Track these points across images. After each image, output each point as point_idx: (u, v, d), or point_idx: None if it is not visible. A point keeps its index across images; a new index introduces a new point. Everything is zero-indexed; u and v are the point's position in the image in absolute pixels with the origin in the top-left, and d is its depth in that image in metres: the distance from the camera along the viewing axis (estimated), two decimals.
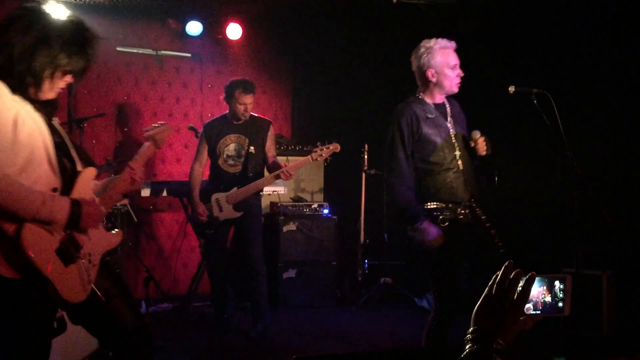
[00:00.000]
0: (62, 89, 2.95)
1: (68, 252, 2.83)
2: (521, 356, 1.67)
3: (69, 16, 2.95)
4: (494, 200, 7.24)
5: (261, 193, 6.18)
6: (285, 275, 7.26)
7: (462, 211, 4.16)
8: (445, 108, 4.31)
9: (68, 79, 2.93)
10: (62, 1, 6.89)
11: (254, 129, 6.02)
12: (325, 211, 7.54)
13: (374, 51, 8.21)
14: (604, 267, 5.75)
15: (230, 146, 6.01)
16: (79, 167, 3.00)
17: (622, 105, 6.12)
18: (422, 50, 4.24)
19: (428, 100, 4.28)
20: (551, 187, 6.13)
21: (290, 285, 7.27)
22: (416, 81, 4.34)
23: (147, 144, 3.44)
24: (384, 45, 8.11)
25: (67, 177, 2.91)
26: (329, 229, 7.45)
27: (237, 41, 8.03)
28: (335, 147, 5.80)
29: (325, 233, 7.43)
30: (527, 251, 6.85)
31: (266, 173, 6.04)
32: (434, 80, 4.22)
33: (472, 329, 1.60)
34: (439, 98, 4.30)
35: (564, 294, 1.67)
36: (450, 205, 4.13)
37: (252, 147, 5.97)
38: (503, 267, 1.63)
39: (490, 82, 6.45)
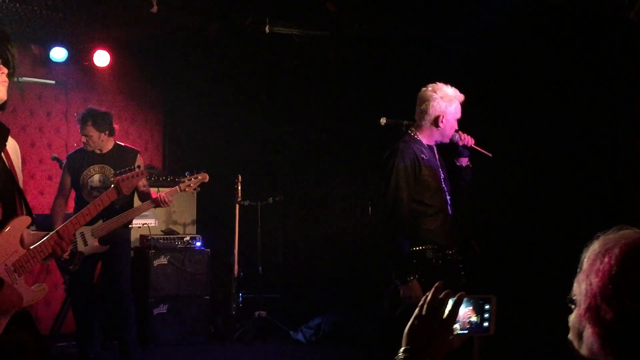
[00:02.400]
0: (5, 85, 2.85)
1: None
2: None
3: None
4: (370, 231, 7.33)
5: (130, 225, 5.98)
6: (156, 311, 7.00)
7: (449, 252, 4.20)
8: (434, 150, 4.30)
9: (4, 70, 2.81)
10: None
11: (120, 159, 5.80)
12: (198, 244, 7.38)
13: (247, 81, 8.21)
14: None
15: (94, 177, 5.80)
16: (19, 211, 2.86)
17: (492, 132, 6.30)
18: (441, 94, 4.20)
19: (423, 140, 4.25)
20: None
21: (161, 322, 7.02)
22: (415, 116, 4.31)
23: (110, 189, 3.50)
24: (257, 75, 8.13)
25: None
26: (202, 262, 7.28)
27: (104, 68, 7.78)
28: (203, 177, 5.68)
29: (198, 266, 7.24)
30: None
31: (137, 203, 5.83)
32: (441, 126, 4.20)
33: (403, 347, 1.65)
34: (432, 141, 4.29)
35: (489, 314, 1.72)
36: (439, 247, 4.15)
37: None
38: (433, 288, 1.70)
39: (361, 112, 6.52)
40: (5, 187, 2.83)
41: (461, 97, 4.27)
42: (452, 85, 4.31)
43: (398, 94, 6.69)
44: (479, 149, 4.34)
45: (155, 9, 6.03)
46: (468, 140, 4.28)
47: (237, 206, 7.52)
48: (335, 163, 7.94)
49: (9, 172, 2.86)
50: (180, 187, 5.65)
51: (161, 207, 5.78)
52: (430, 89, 4.26)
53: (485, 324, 1.72)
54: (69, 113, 7.77)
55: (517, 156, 6.00)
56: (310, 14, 6.33)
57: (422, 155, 4.17)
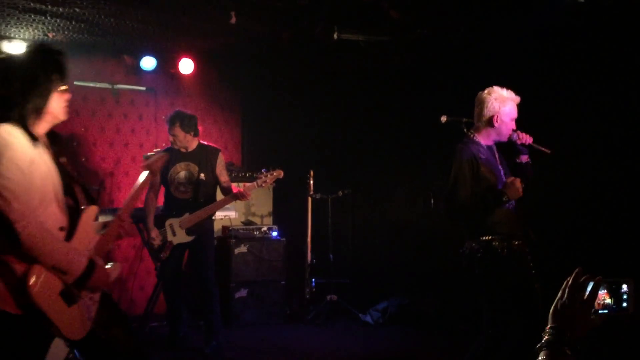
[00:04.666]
0: (67, 105, 2.99)
1: (71, 294, 2.83)
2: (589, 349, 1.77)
3: (28, 48, 2.95)
4: (431, 220, 7.37)
5: (213, 217, 6.14)
6: (237, 295, 7.21)
7: (516, 242, 4.17)
8: (493, 150, 4.36)
9: (66, 95, 2.98)
10: (26, 39, 6.83)
11: (203, 157, 5.99)
12: (275, 233, 7.53)
13: (317, 83, 8.29)
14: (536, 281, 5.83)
15: (180, 174, 5.96)
16: (82, 204, 3.00)
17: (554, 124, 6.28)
18: (495, 95, 4.26)
19: (481, 141, 4.31)
20: None
21: (241, 305, 7.22)
22: (473, 118, 4.36)
23: (144, 173, 3.46)
24: (326, 78, 8.19)
25: (71, 215, 2.91)
26: (278, 250, 7.44)
27: (189, 75, 8.01)
28: (278, 173, 5.80)
29: (274, 254, 7.41)
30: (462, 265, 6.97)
31: (220, 197, 6.01)
32: (496, 125, 4.25)
33: (549, 326, 1.73)
34: (490, 141, 4.34)
35: (627, 295, 1.78)
36: (506, 237, 4.13)
37: (202, 174, 5.94)
38: (574, 273, 1.76)
39: (424, 111, 6.55)
40: (70, 183, 2.98)
41: (516, 98, 4.29)
42: (511, 85, 4.33)
43: (458, 94, 6.73)
44: (538, 147, 4.32)
45: (234, 20, 6.17)
46: (526, 139, 4.28)
47: (310, 199, 7.64)
48: (399, 158, 7.93)
49: (69, 172, 3.02)
50: (257, 183, 5.78)
51: (241, 200, 5.93)
52: (485, 92, 4.31)
53: (624, 304, 1.77)
54: (157, 116, 8.01)
55: (583, 151, 5.91)
56: (374, 21, 6.35)
57: (480, 155, 4.20)
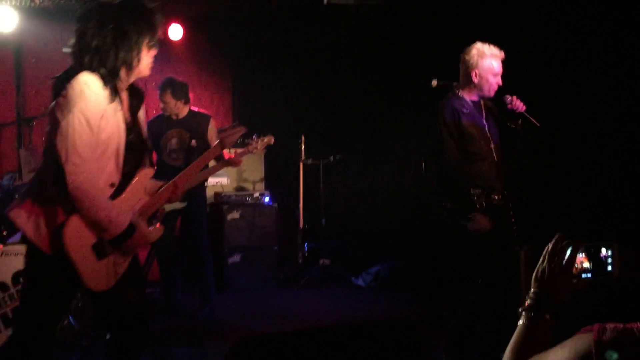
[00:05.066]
0: (152, 61, 2.98)
1: (103, 249, 2.92)
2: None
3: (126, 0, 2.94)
4: (423, 185, 7.41)
5: (205, 184, 6.14)
6: (230, 261, 7.25)
7: (496, 197, 4.24)
8: (480, 105, 4.37)
9: (153, 51, 2.98)
10: (12, 5, 6.72)
11: (195, 124, 5.97)
12: (267, 199, 7.55)
13: (307, 49, 8.25)
14: (520, 243, 5.88)
15: (172, 140, 5.95)
16: (141, 164, 3.09)
17: (541, 100, 6.28)
18: (474, 51, 4.28)
19: (465, 97, 4.33)
20: None
21: (235, 270, 7.26)
22: (459, 76, 4.39)
23: (215, 144, 3.57)
24: (317, 43, 8.15)
25: (127, 173, 3.00)
26: (270, 216, 7.47)
27: (178, 41, 7.93)
28: (269, 139, 5.76)
29: (266, 220, 7.44)
30: None
31: (212, 163, 5.99)
32: (475, 80, 4.27)
33: (532, 290, 1.75)
34: (475, 97, 4.35)
35: (612, 259, 1.76)
36: (485, 191, 4.21)
37: (193, 141, 5.92)
38: (553, 239, 1.77)
39: (414, 75, 6.54)
40: (137, 142, 3.04)
41: (498, 53, 4.28)
42: (505, 48, 4.32)
43: (449, 58, 6.71)
44: (528, 117, 4.32)
45: None
46: (519, 106, 4.28)
47: (302, 164, 7.67)
48: (391, 123, 7.94)
49: (140, 130, 3.09)
50: (248, 149, 5.75)
51: (232, 167, 5.93)
52: (468, 48, 4.33)
53: (609, 268, 1.76)
54: (147, 82, 7.95)
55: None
56: None
57: (462, 110, 4.25)
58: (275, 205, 7.53)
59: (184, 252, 6.48)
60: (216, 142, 3.61)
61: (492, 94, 4.33)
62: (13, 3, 6.72)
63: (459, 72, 4.39)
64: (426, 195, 7.28)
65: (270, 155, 7.90)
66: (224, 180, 7.44)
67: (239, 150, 5.81)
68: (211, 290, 6.02)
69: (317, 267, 7.54)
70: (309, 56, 8.27)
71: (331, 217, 7.92)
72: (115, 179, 2.94)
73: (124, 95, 2.99)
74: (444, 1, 6.57)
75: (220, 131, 3.79)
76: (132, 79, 2.99)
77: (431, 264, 7.26)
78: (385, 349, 2.25)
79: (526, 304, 1.73)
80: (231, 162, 5.74)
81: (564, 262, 1.73)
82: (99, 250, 2.91)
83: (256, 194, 7.55)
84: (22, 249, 4.50)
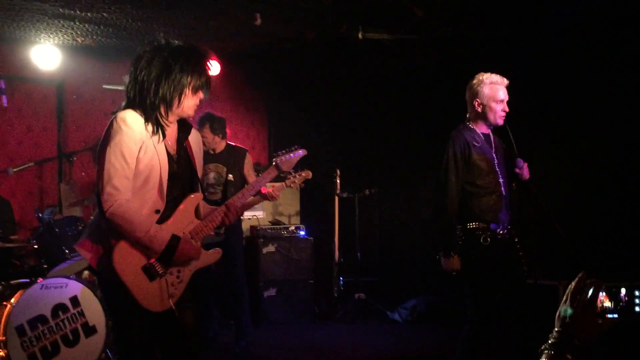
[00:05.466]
0: (197, 104, 3.15)
1: (154, 270, 3.07)
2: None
3: (182, 44, 3.13)
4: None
5: (241, 217, 6.17)
6: (265, 294, 7.26)
7: (501, 232, 4.24)
8: (490, 138, 4.38)
9: (199, 95, 3.12)
10: (55, 44, 6.92)
11: (231, 158, 6.03)
12: (302, 233, 7.56)
13: (342, 83, 8.30)
14: (559, 277, 5.81)
15: (209, 175, 6.00)
16: (190, 191, 3.24)
17: (571, 125, 6.24)
18: (475, 81, 4.33)
19: (476, 128, 4.35)
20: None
21: (270, 303, 7.27)
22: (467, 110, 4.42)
23: (271, 167, 3.70)
24: (352, 77, 8.21)
25: (174, 199, 3.15)
26: (306, 249, 7.48)
27: (215, 77, 8.01)
28: (307, 173, 5.76)
29: (302, 253, 7.45)
30: None
31: (250, 197, 6.00)
32: (479, 110, 4.29)
33: (555, 329, 1.72)
34: (485, 128, 4.37)
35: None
36: (489, 226, 4.20)
37: (230, 175, 5.97)
38: (577, 278, 1.74)
39: (448, 109, 6.54)
40: (185, 170, 3.21)
41: (498, 80, 4.29)
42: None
43: None
44: (527, 186, 4.40)
45: (258, 22, 6.22)
46: (524, 175, 4.35)
47: (337, 198, 7.67)
48: (425, 156, 7.87)
49: (189, 158, 3.24)
50: (286, 184, 5.76)
51: (269, 201, 5.96)
52: (471, 79, 4.37)
53: (637, 308, 1.74)
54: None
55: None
56: (399, 20, 6.36)
57: (474, 143, 4.25)
58: (311, 238, 7.54)
59: (221, 285, 6.50)
60: (272, 165, 3.71)
61: (499, 121, 4.32)
62: (56, 42, 6.90)
63: None
64: None
65: (305, 188, 7.88)
66: (259, 213, 7.47)
67: (277, 185, 5.84)
68: (247, 324, 6.00)
69: (353, 301, 7.50)
70: (344, 90, 8.32)
71: (366, 251, 7.89)
72: (160, 206, 3.08)
73: (171, 128, 3.15)
74: (478, 35, 6.57)
75: (276, 155, 3.82)
76: (173, 117, 3.12)
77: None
78: None
79: (549, 341, 1.71)
80: (268, 197, 5.76)
81: (587, 301, 1.71)
82: (150, 272, 3.06)
83: (292, 228, 7.57)
84: (63, 282, 4.59)
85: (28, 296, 4.63)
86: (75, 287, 4.79)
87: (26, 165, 6.36)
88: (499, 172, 4.28)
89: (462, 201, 4.23)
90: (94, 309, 4.81)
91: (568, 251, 5.61)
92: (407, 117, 8.06)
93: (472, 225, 4.20)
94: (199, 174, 3.31)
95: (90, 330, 4.77)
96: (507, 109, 4.29)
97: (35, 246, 5.08)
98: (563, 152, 6.28)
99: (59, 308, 4.71)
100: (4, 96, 5.91)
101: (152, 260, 3.05)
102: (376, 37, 6.63)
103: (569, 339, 1.68)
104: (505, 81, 4.31)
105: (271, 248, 7.36)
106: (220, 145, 6.05)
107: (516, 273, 4.27)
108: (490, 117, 4.28)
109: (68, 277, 4.84)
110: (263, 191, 5.76)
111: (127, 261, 3.02)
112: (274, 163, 3.76)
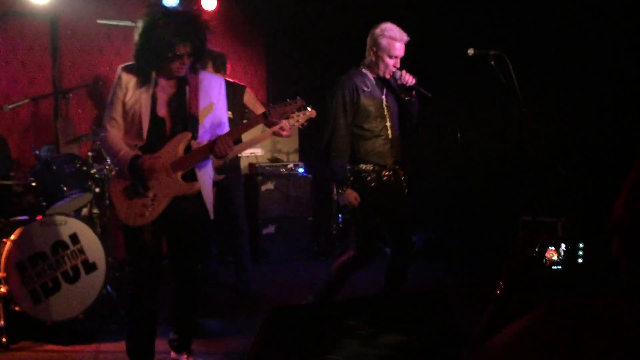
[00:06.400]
0: (184, 68, 3.70)
1: (131, 191, 3.76)
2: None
3: (174, 13, 3.71)
4: (459, 155, 7.36)
5: (239, 155, 6.15)
6: (264, 231, 7.31)
7: (386, 173, 4.58)
8: (380, 82, 4.58)
9: (185, 60, 3.66)
10: None
11: (230, 95, 5.94)
12: (301, 170, 7.57)
13: (342, 15, 8.17)
14: (558, 214, 5.85)
15: None
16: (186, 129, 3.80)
17: (573, 65, 6.18)
18: (377, 30, 4.49)
19: (368, 73, 4.57)
20: (510, 142, 6.18)
21: (269, 241, 7.32)
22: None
23: (259, 115, 3.97)
24: (352, 9, 8.07)
25: (161, 138, 3.75)
26: (305, 187, 7.50)
27: (212, 12, 7.92)
28: (311, 112, 5.68)
29: (301, 191, 7.47)
30: (489, 200, 6.99)
31: (263, 129, 5.84)
32: (373, 58, 4.51)
33: (501, 281, 1.78)
34: (375, 74, 4.57)
35: (583, 252, 1.86)
36: (376, 167, 4.53)
37: (229, 112, 5.92)
38: (526, 231, 1.84)
39: (450, 44, 6.46)
40: (176, 115, 3.79)
41: (398, 36, 4.44)
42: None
43: (485, 26, 6.63)
44: (419, 89, 4.54)
45: None
46: (408, 80, 4.47)
47: None
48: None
49: (183, 105, 3.79)
50: (289, 122, 5.68)
51: (280, 137, 5.85)
52: (375, 26, 4.53)
53: (580, 260, 1.82)
54: None
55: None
56: None
57: (363, 87, 4.49)
58: (310, 176, 7.56)
59: (220, 222, 6.53)
60: (260, 113, 3.97)
61: (387, 75, 4.52)
62: None
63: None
64: (461, 164, 7.23)
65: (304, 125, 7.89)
66: (258, 151, 7.45)
67: (284, 121, 5.73)
68: (247, 261, 6.07)
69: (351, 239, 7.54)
70: (344, 23, 8.20)
71: None
72: (138, 141, 3.74)
73: (169, 82, 3.78)
74: None
75: (271, 105, 3.95)
76: (164, 74, 3.74)
77: (467, 234, 7.23)
78: (419, 319, 2.26)
79: (495, 293, 1.75)
80: (277, 134, 5.63)
81: (535, 253, 1.75)
82: (129, 192, 3.76)
83: (290, 165, 7.57)
84: (61, 219, 4.62)
85: (27, 233, 4.66)
86: (74, 225, 4.81)
87: (21, 102, 6.29)
88: (387, 116, 4.54)
89: (351, 144, 4.51)
90: (93, 246, 4.85)
91: (567, 189, 5.64)
92: (409, 51, 7.92)
93: (359, 166, 4.52)
94: (201, 119, 3.81)
95: (90, 267, 4.82)
96: (398, 65, 4.49)
97: (33, 184, 5.07)
98: (568, 90, 6.24)
99: (59, 245, 4.74)
100: None
101: (132, 182, 3.74)
102: None
103: (514, 290, 1.72)
104: (405, 38, 4.48)
105: (270, 185, 7.37)
106: None
107: (400, 211, 4.66)
108: (381, 68, 4.51)
109: (67, 215, 4.87)
110: (274, 128, 5.65)
111: (115, 184, 3.84)
112: (263, 112, 3.93)
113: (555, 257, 1.83)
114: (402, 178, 4.71)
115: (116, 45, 7.67)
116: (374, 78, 4.56)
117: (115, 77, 3.75)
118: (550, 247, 1.81)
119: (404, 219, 4.71)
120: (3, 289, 4.52)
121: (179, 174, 3.76)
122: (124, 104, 3.72)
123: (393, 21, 4.55)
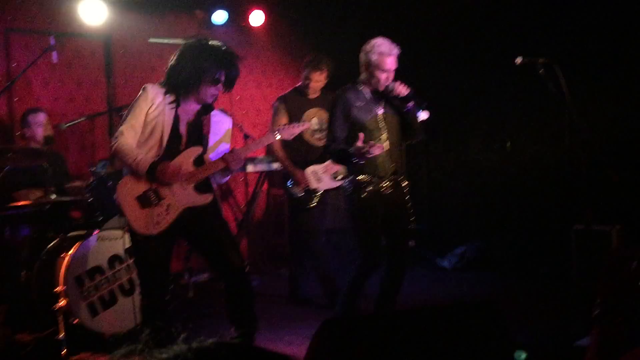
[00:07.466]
0: (215, 95, 3.99)
1: (145, 200, 3.87)
2: None
3: (216, 44, 3.93)
4: (509, 164, 7.29)
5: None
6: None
7: (385, 184, 4.63)
8: (379, 95, 4.64)
9: (218, 87, 3.92)
10: None
11: (327, 102, 5.79)
12: None
13: (388, 27, 8.15)
14: (612, 222, 5.72)
15: (313, 120, 5.91)
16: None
17: (622, 71, 6.08)
18: (368, 47, 4.59)
19: (363, 89, 4.67)
20: (560, 149, 6.10)
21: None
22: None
23: (269, 135, 4.16)
24: (398, 21, 8.06)
25: (176, 151, 3.96)
26: None
27: (260, 27, 8.01)
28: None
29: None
30: (541, 208, 6.89)
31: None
32: (366, 75, 4.60)
33: (597, 300, 1.79)
34: (372, 87, 4.65)
35: None
36: (374, 178, 4.59)
37: None
38: (616, 248, 1.75)
39: (499, 54, 6.41)
40: (193, 134, 4.04)
41: (388, 51, 4.51)
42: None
43: (534, 35, 6.56)
44: (414, 99, 4.59)
45: None
46: (402, 91, 4.52)
47: None
48: (475, 102, 7.81)
49: (201, 128, 4.07)
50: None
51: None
52: (366, 42, 4.62)
53: None
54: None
55: None
56: None
57: (355, 103, 4.57)
58: None
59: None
60: (271, 132, 4.15)
61: (380, 88, 4.59)
62: None
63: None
64: (511, 173, 7.16)
65: None
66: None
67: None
68: (302, 270, 6.25)
69: None
70: (390, 34, 8.20)
71: (415, 199, 7.83)
72: (156, 152, 3.90)
73: (192, 106, 4.00)
74: None
75: (279, 127, 4.15)
76: (193, 99, 3.96)
77: (518, 244, 7.13)
78: (470, 331, 2.24)
79: (593, 314, 1.71)
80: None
81: (632, 269, 1.71)
82: (142, 201, 3.87)
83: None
84: (118, 234, 4.73)
85: (85, 248, 4.78)
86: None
87: (77, 120, 6.46)
88: (384, 128, 4.60)
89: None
90: None
91: (620, 196, 5.52)
92: (456, 61, 7.89)
93: (357, 178, 4.59)
94: (209, 143, 4.09)
95: None
96: (391, 78, 4.56)
97: (90, 199, 5.20)
98: (618, 96, 6.13)
99: (115, 259, 4.86)
100: (54, 52, 5.98)
101: (146, 190, 3.86)
102: None
103: (614, 306, 1.68)
104: (395, 51, 4.55)
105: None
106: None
107: (400, 221, 4.73)
108: (374, 83, 4.58)
109: (123, 229, 4.97)
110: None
111: (126, 191, 3.90)
112: (274, 132, 4.12)
113: None
114: (406, 190, 4.78)
115: (167, 63, 7.79)
116: (370, 92, 4.66)
117: (141, 91, 3.94)
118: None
119: (403, 230, 4.79)
120: (63, 302, 4.64)
121: (192, 185, 3.96)
122: (146, 115, 3.88)
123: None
